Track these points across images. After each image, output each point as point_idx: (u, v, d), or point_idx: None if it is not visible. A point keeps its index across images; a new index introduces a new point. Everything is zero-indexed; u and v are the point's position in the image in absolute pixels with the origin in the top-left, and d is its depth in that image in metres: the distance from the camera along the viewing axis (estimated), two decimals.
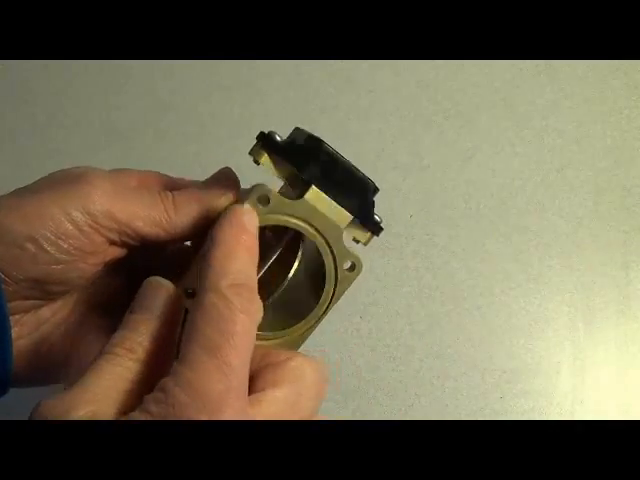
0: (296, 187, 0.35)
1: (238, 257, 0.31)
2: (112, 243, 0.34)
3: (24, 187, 0.34)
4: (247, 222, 0.32)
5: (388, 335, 0.59)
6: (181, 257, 0.38)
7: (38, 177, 0.34)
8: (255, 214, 0.33)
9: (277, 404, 0.30)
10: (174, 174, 0.38)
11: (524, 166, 0.62)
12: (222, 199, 0.35)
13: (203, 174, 0.37)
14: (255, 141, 0.34)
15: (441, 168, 0.62)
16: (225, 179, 0.36)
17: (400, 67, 0.64)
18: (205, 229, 0.34)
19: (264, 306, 0.31)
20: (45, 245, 0.32)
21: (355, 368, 0.58)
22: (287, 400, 0.30)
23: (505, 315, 0.60)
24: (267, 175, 0.35)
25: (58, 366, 0.35)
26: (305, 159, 0.34)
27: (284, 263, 0.37)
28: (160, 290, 0.32)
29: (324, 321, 0.36)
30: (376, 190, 0.36)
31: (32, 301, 0.34)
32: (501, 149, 0.63)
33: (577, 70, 0.64)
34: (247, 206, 0.33)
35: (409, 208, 0.61)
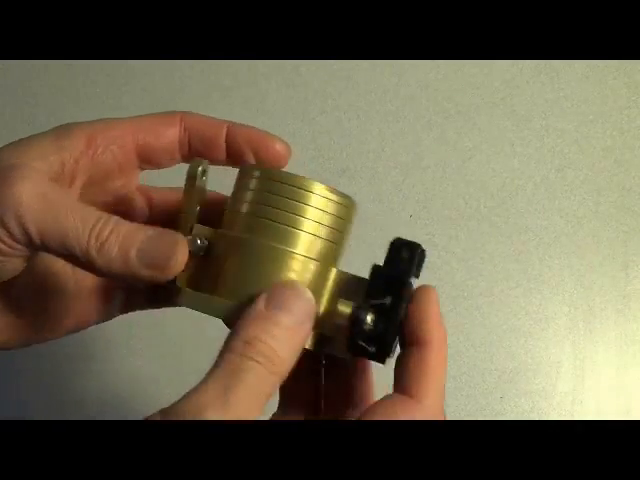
0: None
1: None
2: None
3: None
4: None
5: None
6: None
7: None
8: None
9: None
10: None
11: (524, 166, 0.62)
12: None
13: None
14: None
15: (441, 168, 0.62)
16: None
17: (400, 67, 0.64)
18: None
19: None
20: None
21: None
22: None
23: (505, 315, 0.60)
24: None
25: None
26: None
27: None
28: (307, 299, 0.30)
29: None
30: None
31: None
32: (501, 149, 0.63)
33: (577, 70, 0.64)
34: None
35: (409, 208, 0.61)
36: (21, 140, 0.32)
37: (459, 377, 0.58)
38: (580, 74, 0.64)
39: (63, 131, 0.33)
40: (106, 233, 0.30)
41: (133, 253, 0.30)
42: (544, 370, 0.59)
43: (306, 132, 0.63)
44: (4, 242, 0.29)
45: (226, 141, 0.35)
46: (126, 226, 0.30)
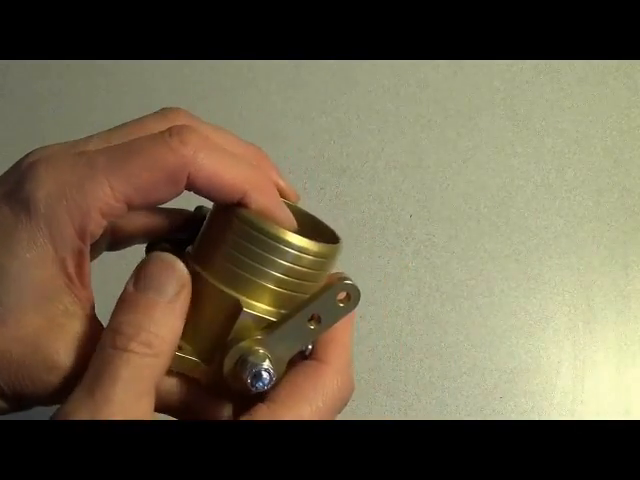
0: None
1: None
2: None
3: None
4: None
5: (388, 335, 0.59)
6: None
7: None
8: None
9: None
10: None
11: (524, 166, 0.62)
12: None
13: None
14: None
15: (441, 168, 0.62)
16: None
17: (400, 67, 0.64)
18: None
19: None
20: None
21: (355, 368, 0.58)
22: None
23: (505, 315, 0.60)
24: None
25: None
26: None
27: None
28: (173, 270, 0.29)
29: None
30: None
31: None
32: (501, 149, 0.63)
33: (577, 70, 0.64)
34: None
35: (409, 208, 0.61)
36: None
37: (459, 377, 0.58)
38: (580, 74, 0.64)
39: (55, 237, 0.28)
40: None
41: None
42: (544, 370, 0.59)
43: (306, 132, 0.63)
44: None
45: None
46: None
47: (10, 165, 0.30)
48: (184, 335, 0.29)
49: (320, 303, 0.30)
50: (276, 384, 0.30)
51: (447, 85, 0.64)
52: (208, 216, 0.32)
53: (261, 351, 0.29)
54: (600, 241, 0.61)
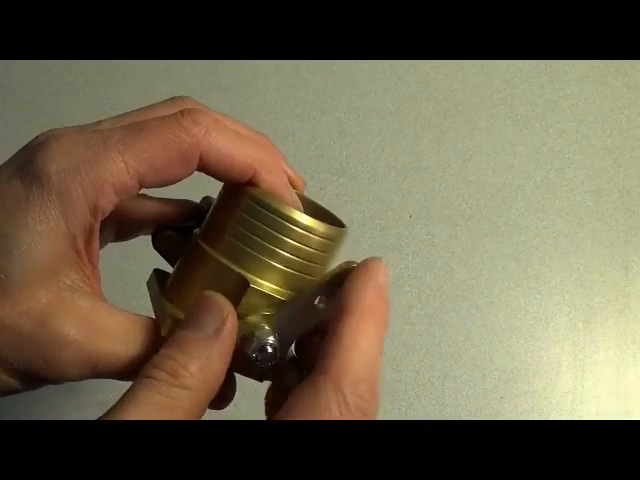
0: None
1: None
2: None
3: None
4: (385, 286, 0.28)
5: (388, 335, 0.59)
6: None
7: None
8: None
9: None
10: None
11: (524, 166, 0.62)
12: None
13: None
14: None
15: (441, 168, 0.62)
16: None
17: (400, 67, 0.64)
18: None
19: None
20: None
21: None
22: None
23: (505, 315, 0.60)
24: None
25: None
26: None
27: None
28: (217, 308, 0.28)
29: None
30: None
31: None
32: (501, 149, 0.63)
33: (577, 70, 0.64)
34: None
35: (409, 208, 0.61)
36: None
37: (459, 377, 0.58)
38: (580, 74, 0.64)
39: (67, 209, 0.28)
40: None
41: None
42: (544, 370, 0.59)
43: (306, 132, 0.63)
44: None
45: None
46: None
47: None
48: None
49: (331, 282, 0.30)
50: (281, 360, 0.30)
51: (447, 85, 0.64)
52: (217, 197, 0.32)
53: (267, 327, 0.30)
54: (600, 241, 0.61)
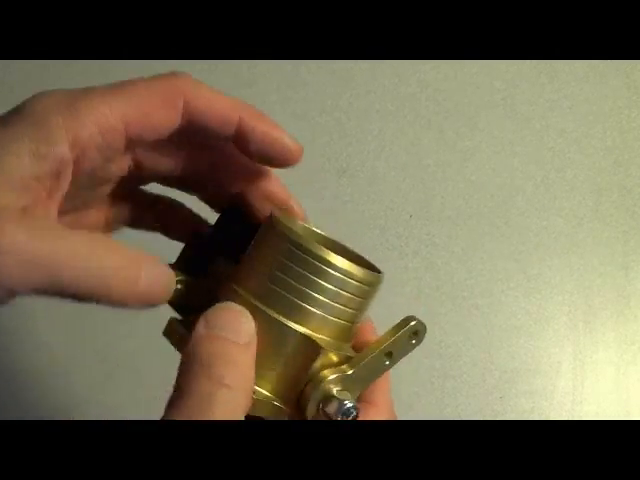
0: None
1: None
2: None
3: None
4: None
5: None
6: None
7: None
8: None
9: None
10: None
11: (524, 166, 0.62)
12: None
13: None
14: None
15: (441, 168, 0.62)
16: None
17: (400, 67, 0.64)
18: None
19: None
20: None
21: None
22: None
23: (505, 315, 0.60)
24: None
25: None
26: None
27: None
28: (245, 316, 0.29)
29: None
30: None
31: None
32: (501, 149, 0.63)
33: (577, 70, 0.64)
34: None
35: (409, 208, 0.61)
36: None
37: (459, 377, 0.58)
38: (580, 74, 0.64)
39: (42, 134, 0.28)
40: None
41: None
42: (544, 370, 0.59)
43: (306, 132, 0.63)
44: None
45: (234, 135, 0.32)
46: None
47: None
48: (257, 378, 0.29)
49: (397, 340, 0.32)
50: None
51: (447, 85, 0.64)
52: (255, 246, 0.32)
53: (341, 389, 0.30)
54: (600, 241, 0.61)
